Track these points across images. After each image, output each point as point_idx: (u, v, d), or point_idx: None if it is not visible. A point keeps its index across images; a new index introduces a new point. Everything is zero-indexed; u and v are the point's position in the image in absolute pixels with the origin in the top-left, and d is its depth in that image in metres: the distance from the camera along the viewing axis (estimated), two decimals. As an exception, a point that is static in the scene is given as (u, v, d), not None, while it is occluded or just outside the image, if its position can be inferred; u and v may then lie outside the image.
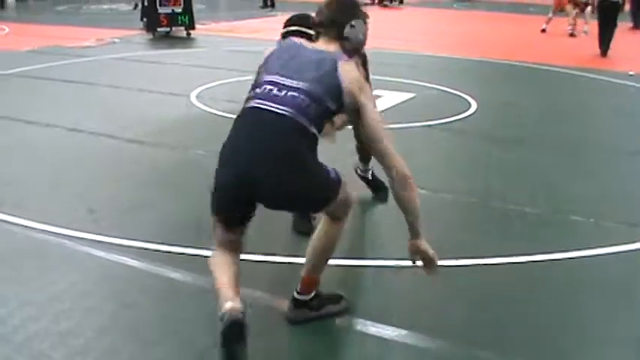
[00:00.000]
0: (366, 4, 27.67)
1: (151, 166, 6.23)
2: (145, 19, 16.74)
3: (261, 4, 24.30)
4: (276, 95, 3.23)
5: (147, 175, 6.03)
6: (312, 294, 3.57)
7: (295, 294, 3.58)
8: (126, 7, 23.43)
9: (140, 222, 4.91)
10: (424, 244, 3.42)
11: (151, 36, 15.65)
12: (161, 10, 15.54)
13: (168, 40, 15.33)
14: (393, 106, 8.81)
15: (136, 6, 22.22)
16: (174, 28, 15.83)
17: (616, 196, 5.66)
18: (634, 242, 4.64)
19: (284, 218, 4.77)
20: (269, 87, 3.29)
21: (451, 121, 8.04)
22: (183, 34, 15.89)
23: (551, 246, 4.54)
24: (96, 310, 3.67)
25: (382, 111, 8.49)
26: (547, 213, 5.21)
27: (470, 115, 8.38)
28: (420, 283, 4.07)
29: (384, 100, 9.11)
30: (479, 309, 3.82)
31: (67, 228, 4.64)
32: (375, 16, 23.59)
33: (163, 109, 8.49)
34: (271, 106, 3.21)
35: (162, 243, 4.45)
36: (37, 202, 5.16)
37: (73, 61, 12.02)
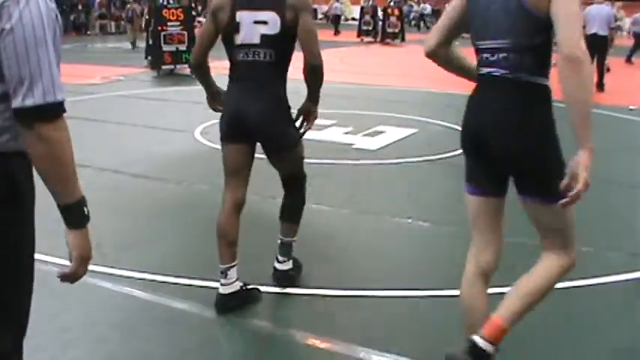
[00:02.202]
0: (369, 42, 27.99)
1: (157, 200, 6.31)
2: (149, 57, 16.94)
3: None
4: None
5: (152, 208, 6.10)
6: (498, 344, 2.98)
7: (478, 339, 2.97)
8: (130, 47, 23.67)
9: (146, 254, 4.97)
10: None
11: (155, 74, 15.84)
12: (165, 47, 15.75)
13: (172, 77, 15.51)
14: (396, 142, 8.90)
15: (133, 45, 22.58)
16: (178, 66, 16.01)
17: (617, 227, 5.71)
18: (634, 272, 4.69)
19: (294, 251, 4.83)
20: None
21: (453, 156, 8.10)
22: (188, 71, 16.06)
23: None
24: (103, 340, 3.72)
25: (385, 146, 8.60)
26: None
27: (471, 150, 8.44)
28: (422, 311, 4.13)
29: (387, 135, 9.22)
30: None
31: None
32: (378, 53, 23.85)
33: (168, 145, 8.59)
34: None
35: (168, 275, 4.50)
36: (44, 235, 5.15)
37: (79, 98, 12.15)
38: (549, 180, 2.89)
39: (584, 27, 14.41)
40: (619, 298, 4.41)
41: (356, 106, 11.40)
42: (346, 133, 9.34)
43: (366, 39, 29.42)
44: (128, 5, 26.55)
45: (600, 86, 13.98)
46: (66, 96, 2.07)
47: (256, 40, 3.91)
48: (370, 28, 30.00)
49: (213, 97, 4.36)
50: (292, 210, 4.41)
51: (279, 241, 4.46)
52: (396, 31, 28.72)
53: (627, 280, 4.60)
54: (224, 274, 4.01)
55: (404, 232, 5.63)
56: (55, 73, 2.04)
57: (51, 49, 2.04)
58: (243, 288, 4.09)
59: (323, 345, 3.71)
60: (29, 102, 2.00)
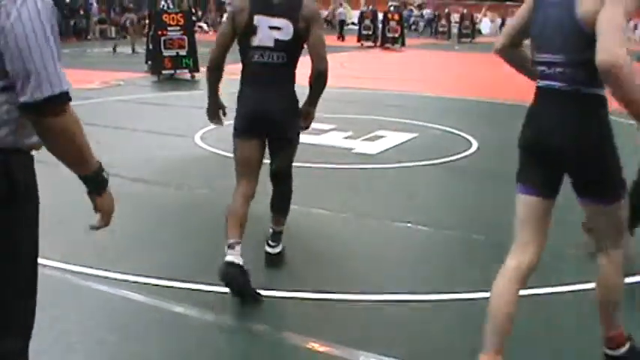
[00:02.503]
0: (369, 47, 28.02)
1: (156, 205, 6.31)
2: (149, 62, 16.96)
3: None
4: None
5: (152, 212, 6.10)
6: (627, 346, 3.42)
7: (610, 351, 3.43)
8: (130, 51, 23.68)
9: (145, 258, 4.97)
10: None
11: (155, 78, 15.86)
12: (166, 52, 15.76)
13: (172, 82, 15.53)
14: (396, 146, 8.91)
15: (114, 50, 22.68)
16: (178, 71, 16.03)
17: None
18: (633, 275, 4.68)
19: (293, 255, 4.84)
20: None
21: (453, 160, 8.12)
22: (188, 76, 16.08)
23: (551, 279, 4.58)
24: (102, 343, 3.72)
25: (384, 150, 8.60)
26: (547, 247, 5.25)
27: (471, 154, 8.47)
28: (421, 315, 4.13)
29: (386, 139, 9.23)
30: (480, 341, 3.85)
31: (73, 264, 4.70)
32: (378, 58, 23.92)
33: (168, 149, 8.59)
34: None
35: (166, 278, 4.50)
36: (43, 239, 5.17)
37: (78, 103, 12.07)
38: (606, 182, 3.13)
39: None
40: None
41: (356, 111, 11.42)
42: (346, 137, 9.35)
43: (366, 44, 29.47)
44: (125, 14, 26.61)
45: None
46: (68, 87, 2.17)
47: (270, 44, 4.27)
48: (370, 32, 30.07)
49: (216, 109, 4.72)
50: (283, 200, 4.79)
51: (270, 230, 4.81)
52: (396, 35, 28.79)
53: (630, 284, 4.60)
54: (232, 247, 4.18)
55: (403, 237, 5.63)
56: (58, 65, 2.12)
57: (52, 42, 2.10)
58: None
59: (322, 348, 3.71)
60: (38, 95, 2.08)
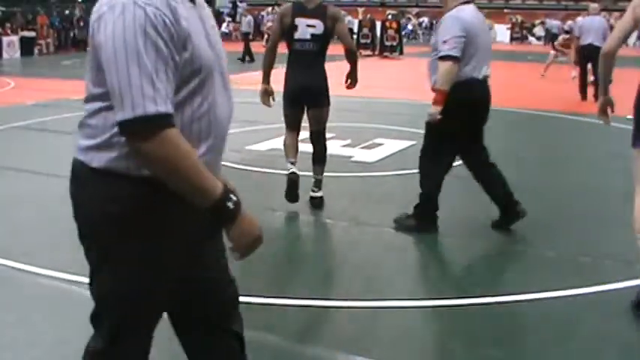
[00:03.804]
0: (367, 55, 28.06)
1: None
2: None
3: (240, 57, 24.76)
4: None
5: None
6: None
7: None
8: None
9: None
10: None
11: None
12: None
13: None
14: (394, 154, 8.93)
15: None
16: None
17: (614, 236, 5.72)
18: (633, 279, 4.71)
19: (292, 262, 4.85)
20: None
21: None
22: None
23: (553, 284, 4.60)
24: (103, 353, 3.73)
25: (383, 158, 8.62)
26: (547, 253, 5.28)
27: (469, 161, 8.47)
28: (422, 322, 4.15)
29: (385, 147, 9.26)
30: (486, 346, 3.87)
31: (75, 274, 4.70)
32: (376, 66, 23.93)
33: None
34: None
35: (167, 287, 4.51)
36: (45, 249, 5.24)
37: (78, 113, 12.06)
38: None
39: (578, 37, 14.75)
40: (621, 306, 4.43)
41: (354, 119, 11.44)
42: (344, 145, 9.37)
43: (365, 52, 29.51)
44: None
45: (584, 97, 14.29)
46: (166, 108, 1.95)
47: (308, 37, 6.12)
48: (368, 41, 30.11)
49: (267, 92, 6.38)
50: (321, 154, 6.51)
51: (313, 180, 6.50)
52: (394, 44, 28.82)
53: (627, 288, 4.63)
54: (293, 163, 6.27)
55: (402, 243, 5.65)
56: (147, 86, 1.92)
57: (145, 59, 1.92)
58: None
59: (324, 354, 3.73)
60: (120, 116, 1.94)
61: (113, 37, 1.93)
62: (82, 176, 2.16)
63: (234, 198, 2.09)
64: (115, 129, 2.00)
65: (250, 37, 26.07)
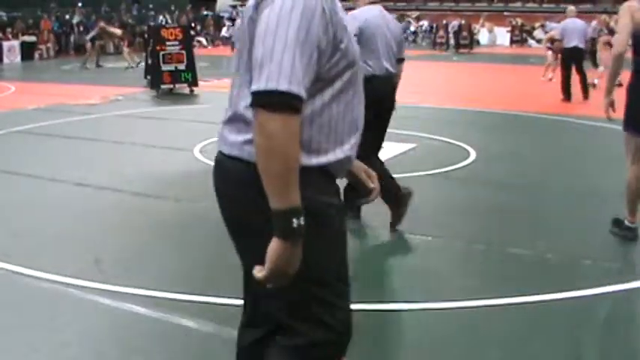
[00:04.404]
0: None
1: (156, 218, 6.33)
2: (148, 77, 17.00)
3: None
4: None
5: (152, 226, 6.12)
6: None
7: None
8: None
9: (146, 271, 4.99)
10: None
11: (154, 93, 15.89)
12: (164, 67, 15.78)
13: (171, 97, 15.56)
14: (395, 156, 8.92)
15: (138, 64, 22.70)
16: (177, 85, 16.06)
17: (613, 238, 5.72)
18: (633, 281, 4.72)
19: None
20: None
21: (451, 170, 8.15)
22: (187, 90, 16.12)
23: (551, 287, 4.60)
24: (103, 356, 3.74)
25: (384, 161, 8.61)
26: (546, 255, 5.28)
27: (469, 164, 8.49)
28: (420, 325, 4.15)
29: (385, 151, 9.20)
30: (486, 348, 3.87)
31: (75, 277, 4.72)
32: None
33: (167, 163, 8.62)
34: None
35: (167, 291, 4.51)
36: (46, 253, 5.25)
37: (78, 118, 12.22)
38: None
39: (561, 40, 15.06)
40: (623, 308, 4.44)
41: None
42: (345, 149, 9.36)
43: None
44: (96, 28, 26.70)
45: (568, 98, 14.68)
46: (293, 89, 1.95)
47: None
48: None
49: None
50: None
51: None
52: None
53: (628, 289, 4.64)
54: None
55: (403, 246, 5.65)
56: (287, 63, 1.93)
57: (292, 38, 1.95)
58: None
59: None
60: (254, 86, 1.96)
61: (277, 13, 1.97)
62: (239, 171, 2.14)
63: (302, 223, 2.00)
64: None
65: None
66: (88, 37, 25.78)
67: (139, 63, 22.23)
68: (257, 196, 2.02)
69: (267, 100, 1.93)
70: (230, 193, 2.21)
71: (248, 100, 2.04)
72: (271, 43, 1.94)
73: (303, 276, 2.08)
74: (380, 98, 5.61)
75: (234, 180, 2.17)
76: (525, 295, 4.47)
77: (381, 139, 5.95)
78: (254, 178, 2.01)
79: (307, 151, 2.09)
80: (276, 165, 1.95)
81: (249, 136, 2.08)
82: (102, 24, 25.55)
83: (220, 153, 2.23)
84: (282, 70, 1.92)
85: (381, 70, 5.78)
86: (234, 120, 2.17)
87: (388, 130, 6.09)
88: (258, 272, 2.04)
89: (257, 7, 2.05)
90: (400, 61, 6.09)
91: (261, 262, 2.03)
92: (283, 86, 1.92)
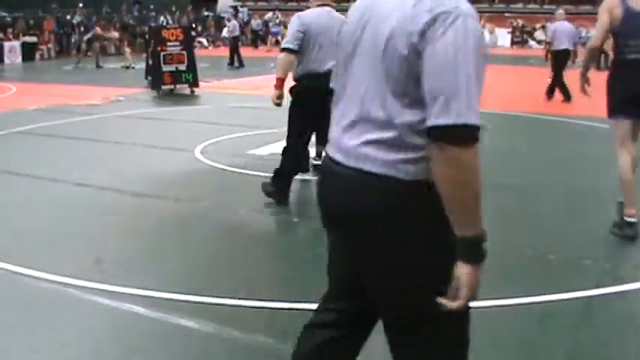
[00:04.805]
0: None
1: (157, 218, 6.33)
2: (149, 78, 17.01)
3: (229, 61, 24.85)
4: None
5: (152, 226, 6.12)
6: None
7: None
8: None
9: (146, 271, 4.99)
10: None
11: (155, 94, 15.90)
12: (165, 68, 15.79)
13: (172, 97, 15.56)
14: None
15: (128, 67, 22.82)
16: (178, 86, 16.07)
17: (613, 238, 5.71)
18: (633, 282, 4.71)
19: (297, 266, 4.86)
20: None
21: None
22: (187, 91, 16.12)
23: (554, 287, 4.60)
24: (103, 356, 3.74)
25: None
26: (549, 255, 5.28)
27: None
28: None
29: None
30: (487, 349, 3.86)
31: (75, 278, 4.72)
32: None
33: (168, 164, 8.62)
34: None
35: (167, 291, 4.51)
36: (46, 253, 5.25)
37: (79, 119, 12.22)
38: None
39: (550, 43, 15.26)
40: (625, 308, 4.43)
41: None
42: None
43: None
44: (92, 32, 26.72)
45: (549, 96, 15.02)
46: (478, 122, 2.00)
47: None
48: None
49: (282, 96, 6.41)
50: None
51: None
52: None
53: (629, 291, 4.64)
54: None
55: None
56: (473, 97, 1.99)
57: (471, 69, 2.01)
58: None
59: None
60: (441, 121, 1.99)
61: (453, 43, 2.00)
62: (393, 190, 2.16)
63: (485, 248, 2.12)
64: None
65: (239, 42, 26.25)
66: (85, 38, 25.84)
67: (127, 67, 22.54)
68: (417, 215, 2.14)
69: (458, 134, 1.98)
70: (379, 211, 2.20)
71: (404, 118, 2.10)
72: (454, 77, 1.98)
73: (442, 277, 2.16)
74: (317, 91, 5.75)
75: (387, 198, 2.18)
76: (531, 296, 4.47)
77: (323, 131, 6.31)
78: (411, 196, 2.14)
79: None
80: (472, 195, 2.04)
81: (403, 156, 2.13)
82: (98, 30, 25.56)
83: (353, 169, 2.23)
84: (470, 105, 1.98)
85: (323, 67, 6.12)
86: (388, 141, 2.16)
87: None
88: (452, 302, 2.14)
89: (423, 35, 2.04)
90: None
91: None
92: (472, 120, 1.98)
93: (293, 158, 6.58)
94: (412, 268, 2.19)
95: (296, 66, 6.35)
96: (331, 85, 2.48)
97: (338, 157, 2.29)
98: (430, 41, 2.03)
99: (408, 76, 2.08)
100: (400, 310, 2.33)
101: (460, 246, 2.07)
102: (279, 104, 6.43)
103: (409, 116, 2.11)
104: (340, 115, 2.32)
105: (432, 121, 2.00)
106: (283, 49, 6.34)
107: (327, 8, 6.38)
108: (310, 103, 6.16)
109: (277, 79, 6.44)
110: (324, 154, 2.43)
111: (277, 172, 6.60)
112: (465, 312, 2.28)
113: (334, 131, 2.35)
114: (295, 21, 6.36)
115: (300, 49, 6.23)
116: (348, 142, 2.25)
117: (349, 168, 2.23)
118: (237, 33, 26.02)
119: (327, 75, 5.96)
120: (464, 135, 1.98)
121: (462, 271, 2.09)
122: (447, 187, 2.03)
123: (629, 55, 5.53)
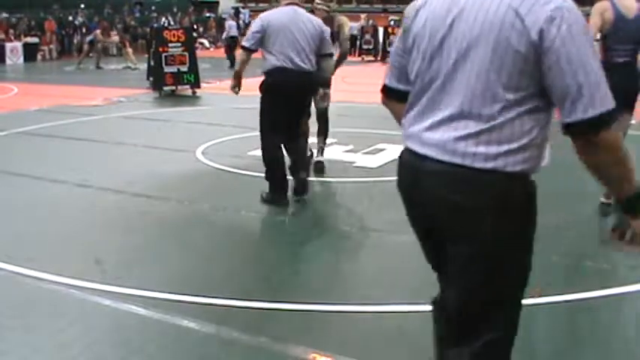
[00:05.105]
0: (369, 61, 28.08)
1: (158, 219, 6.34)
2: (151, 79, 17.01)
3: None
4: None
5: (153, 227, 6.13)
6: None
7: None
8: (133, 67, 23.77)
9: (147, 272, 4.99)
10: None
11: (157, 95, 15.90)
12: (167, 69, 15.78)
13: (174, 98, 15.57)
14: (397, 159, 8.92)
15: (130, 68, 22.87)
16: (179, 87, 16.07)
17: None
18: (633, 283, 4.71)
19: (295, 267, 4.86)
20: None
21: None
22: (189, 92, 16.12)
23: (553, 289, 4.60)
24: (103, 357, 3.74)
25: (385, 164, 8.62)
26: (550, 256, 5.27)
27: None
28: (423, 326, 4.14)
29: (387, 153, 9.24)
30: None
31: (76, 279, 4.72)
32: (378, 72, 23.95)
33: (169, 164, 8.62)
34: None
35: (168, 292, 4.52)
36: (47, 254, 5.25)
37: (81, 119, 12.22)
38: None
39: None
40: (626, 310, 4.43)
41: (356, 125, 11.44)
42: (347, 151, 9.37)
43: (367, 58, 29.58)
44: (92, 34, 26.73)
45: None
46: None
47: None
48: (371, 47, 30.15)
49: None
50: (326, 128, 8.06)
51: (319, 147, 7.97)
52: (397, 50, 28.82)
53: (630, 292, 4.64)
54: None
55: (405, 249, 5.63)
56: (603, 84, 2.14)
57: (595, 58, 2.15)
58: None
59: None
60: (590, 113, 2.13)
61: (579, 38, 2.11)
62: (498, 183, 2.25)
63: None
64: (535, 133, 2.28)
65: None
66: (87, 39, 25.87)
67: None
68: (520, 208, 2.33)
69: (606, 121, 2.13)
70: (483, 205, 2.27)
71: (511, 113, 2.20)
72: (590, 70, 2.11)
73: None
74: (280, 86, 6.45)
75: (492, 191, 2.26)
76: (532, 297, 4.46)
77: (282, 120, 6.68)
78: (511, 189, 2.27)
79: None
80: (629, 165, 2.21)
81: (506, 148, 2.22)
82: (99, 34, 25.58)
83: (450, 164, 2.26)
84: (607, 90, 2.14)
85: (288, 63, 6.40)
86: (491, 135, 2.22)
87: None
88: (632, 248, 2.36)
89: (541, 34, 2.10)
90: (325, 56, 6.70)
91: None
92: (611, 104, 2.15)
93: (269, 149, 6.72)
94: (508, 262, 2.53)
95: (264, 61, 6.56)
96: (386, 82, 2.52)
97: (427, 152, 2.32)
98: (554, 39, 2.10)
99: (521, 72, 2.15)
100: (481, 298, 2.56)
101: (626, 205, 2.25)
102: (236, 92, 6.90)
103: (516, 110, 2.20)
104: (425, 111, 2.35)
105: (577, 116, 2.14)
106: (242, 47, 6.73)
107: (295, 7, 6.58)
108: (279, 94, 6.48)
109: (235, 72, 6.93)
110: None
111: (265, 176, 6.72)
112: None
113: (415, 126, 2.39)
114: (256, 21, 6.67)
115: (258, 47, 6.51)
116: (442, 136, 2.27)
117: (445, 163, 2.27)
118: (233, 33, 25.89)
119: (293, 71, 6.43)
120: (607, 120, 2.13)
121: (637, 223, 2.26)
122: (608, 171, 2.21)
123: (618, 59, 5.82)
